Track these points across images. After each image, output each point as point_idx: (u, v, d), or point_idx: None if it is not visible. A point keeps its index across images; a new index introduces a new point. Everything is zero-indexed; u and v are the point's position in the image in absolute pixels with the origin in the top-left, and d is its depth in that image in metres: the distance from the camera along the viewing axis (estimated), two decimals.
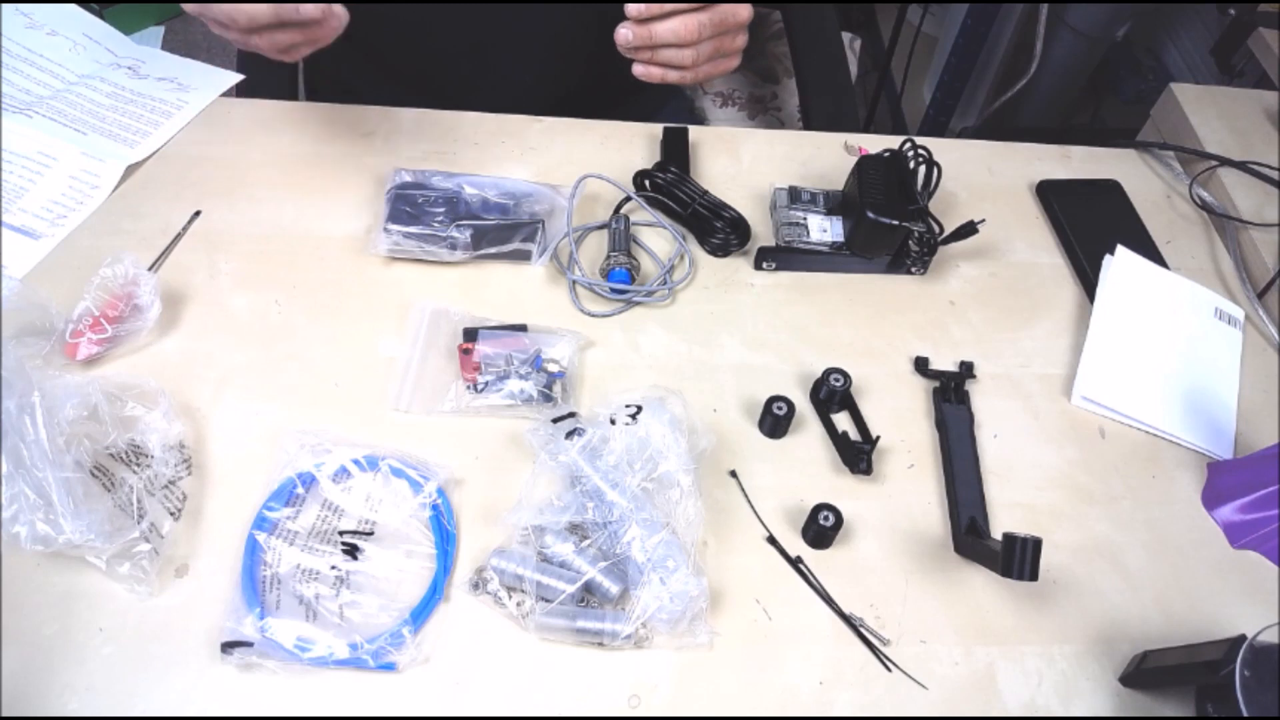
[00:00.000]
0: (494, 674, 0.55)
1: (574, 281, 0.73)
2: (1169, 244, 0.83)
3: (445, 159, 0.81)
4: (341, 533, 0.58)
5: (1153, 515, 0.66)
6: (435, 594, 0.56)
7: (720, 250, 0.77)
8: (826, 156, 0.87)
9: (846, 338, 0.73)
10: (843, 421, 0.68)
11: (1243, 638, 0.51)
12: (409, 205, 0.73)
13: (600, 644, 0.55)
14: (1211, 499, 0.67)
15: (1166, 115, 0.96)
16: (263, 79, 0.91)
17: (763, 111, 1.17)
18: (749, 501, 0.63)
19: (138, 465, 0.58)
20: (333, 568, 0.56)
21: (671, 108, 1.09)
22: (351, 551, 0.57)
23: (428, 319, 0.69)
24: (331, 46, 0.86)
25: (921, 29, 1.88)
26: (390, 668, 0.53)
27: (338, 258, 0.73)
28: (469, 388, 0.65)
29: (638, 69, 0.68)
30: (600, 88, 0.95)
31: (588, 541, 0.58)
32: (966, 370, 0.72)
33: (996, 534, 0.59)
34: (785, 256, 0.76)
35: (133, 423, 0.60)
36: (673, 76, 0.69)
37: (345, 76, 0.99)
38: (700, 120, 1.15)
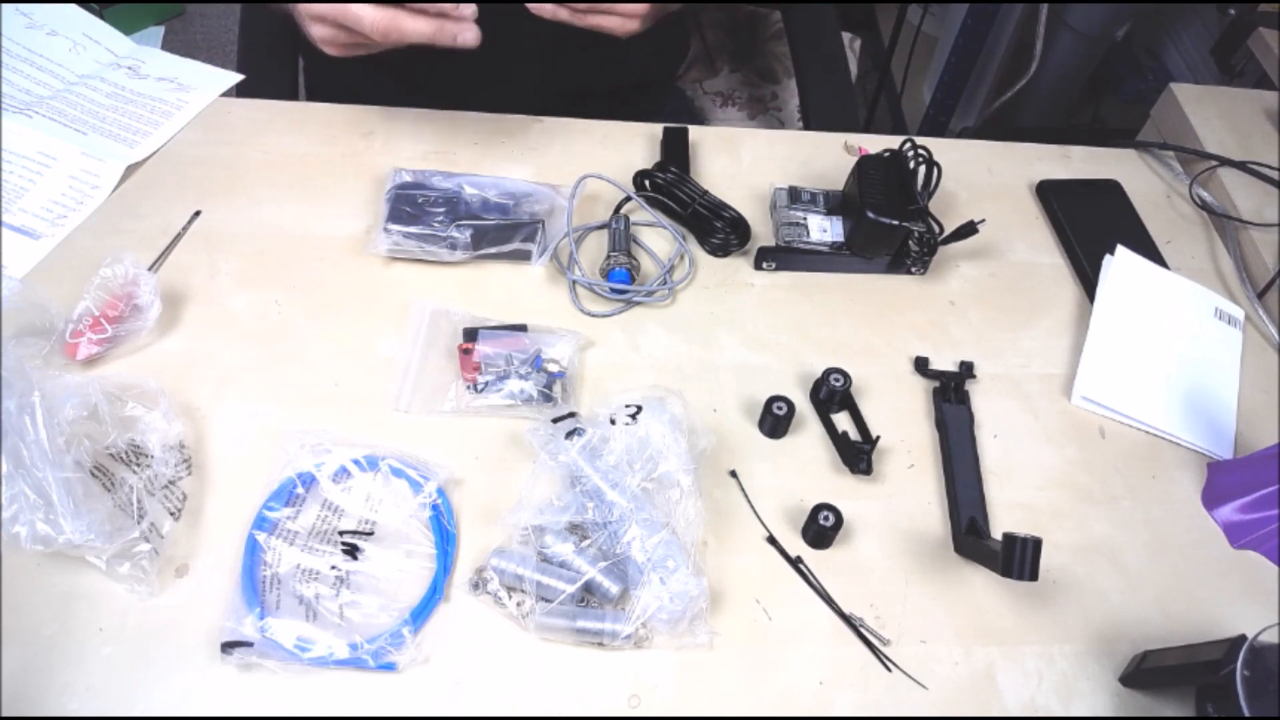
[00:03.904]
0: (494, 674, 0.55)
1: (574, 281, 0.73)
2: (1169, 244, 0.83)
3: (445, 159, 0.81)
4: (341, 533, 0.58)
5: (1153, 515, 0.66)
6: (435, 594, 0.56)
7: (720, 250, 0.77)
8: (826, 156, 0.87)
9: (846, 338, 0.73)
10: (843, 421, 0.68)
11: (1243, 638, 0.51)
12: (409, 205, 0.73)
13: (600, 644, 0.55)
14: (1211, 499, 0.67)
15: (1166, 115, 0.96)
16: (263, 79, 0.91)
17: (763, 111, 1.17)
18: (749, 501, 0.63)
19: (138, 465, 0.58)
20: (333, 568, 0.56)
21: (671, 108, 1.09)
22: (351, 551, 0.57)
23: (428, 319, 0.69)
24: None
25: (921, 29, 1.88)
26: (390, 668, 0.53)
27: (338, 258, 0.73)
28: (469, 388, 0.65)
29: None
30: (600, 88, 0.95)
31: (588, 541, 0.58)
32: (966, 370, 0.72)
33: (996, 534, 0.59)
34: (785, 256, 0.76)
35: (133, 423, 0.60)
36: (563, 14, 0.70)
37: (345, 76, 0.99)
38: (700, 120, 1.15)
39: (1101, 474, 0.68)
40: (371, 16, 0.64)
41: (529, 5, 0.69)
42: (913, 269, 0.78)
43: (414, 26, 0.64)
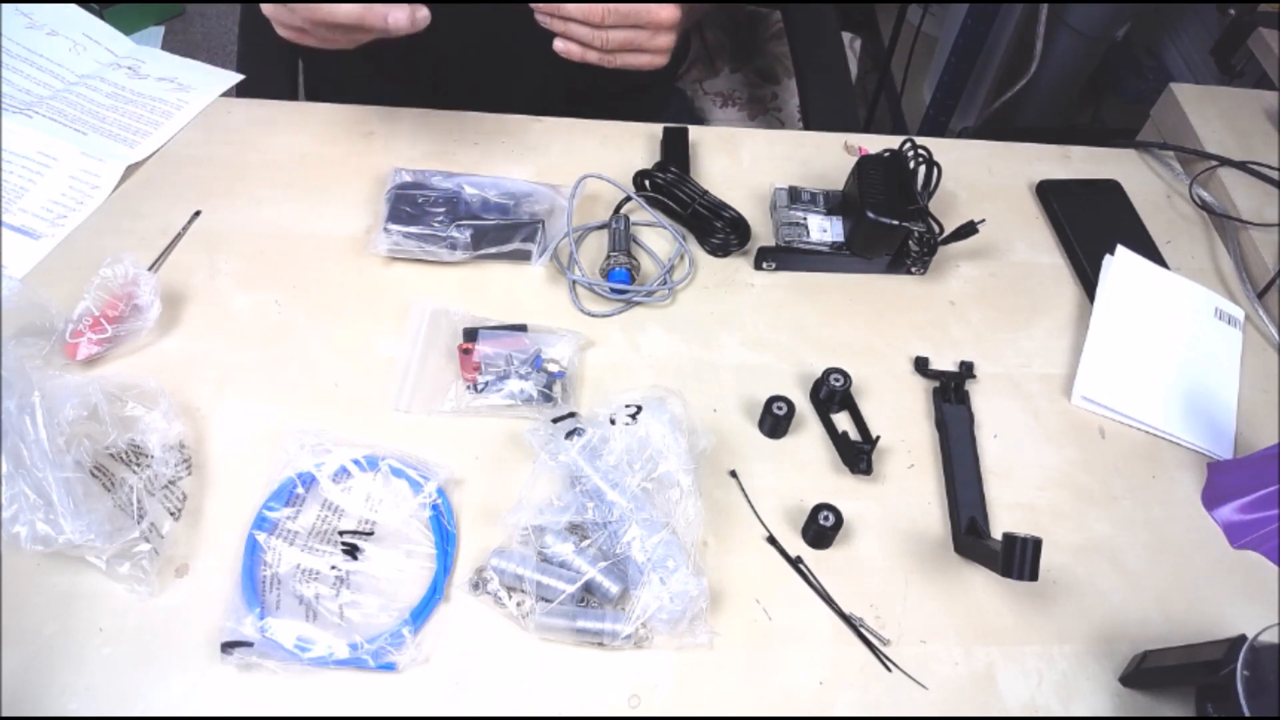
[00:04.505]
0: (494, 674, 0.55)
1: (574, 281, 0.73)
2: (1169, 244, 0.83)
3: (445, 159, 0.81)
4: (341, 533, 0.58)
5: (1153, 515, 0.66)
6: (435, 594, 0.56)
7: (720, 250, 0.77)
8: (826, 156, 0.87)
9: (846, 338, 0.73)
10: (843, 421, 0.68)
11: (1243, 638, 0.51)
12: (409, 205, 0.73)
13: (600, 644, 0.55)
14: (1211, 499, 0.67)
15: (1166, 115, 0.96)
16: (263, 79, 0.91)
17: (763, 111, 1.17)
18: (749, 501, 0.63)
19: (138, 465, 0.58)
20: (333, 568, 0.56)
21: (672, 108, 1.09)
22: (351, 551, 0.57)
23: (428, 319, 0.69)
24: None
25: (921, 29, 1.88)
26: (390, 668, 0.53)
27: (338, 258, 0.73)
28: (469, 388, 0.65)
29: (557, 44, 0.70)
30: (600, 88, 0.95)
31: (588, 541, 0.58)
32: (966, 370, 0.72)
33: (996, 534, 0.59)
34: (785, 256, 0.76)
35: (133, 423, 0.60)
36: (592, 57, 0.70)
37: (345, 77, 0.99)
38: (700, 120, 1.15)
39: (1101, 474, 0.68)
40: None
41: (557, 49, 0.70)
42: (913, 269, 0.78)
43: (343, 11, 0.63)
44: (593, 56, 0.70)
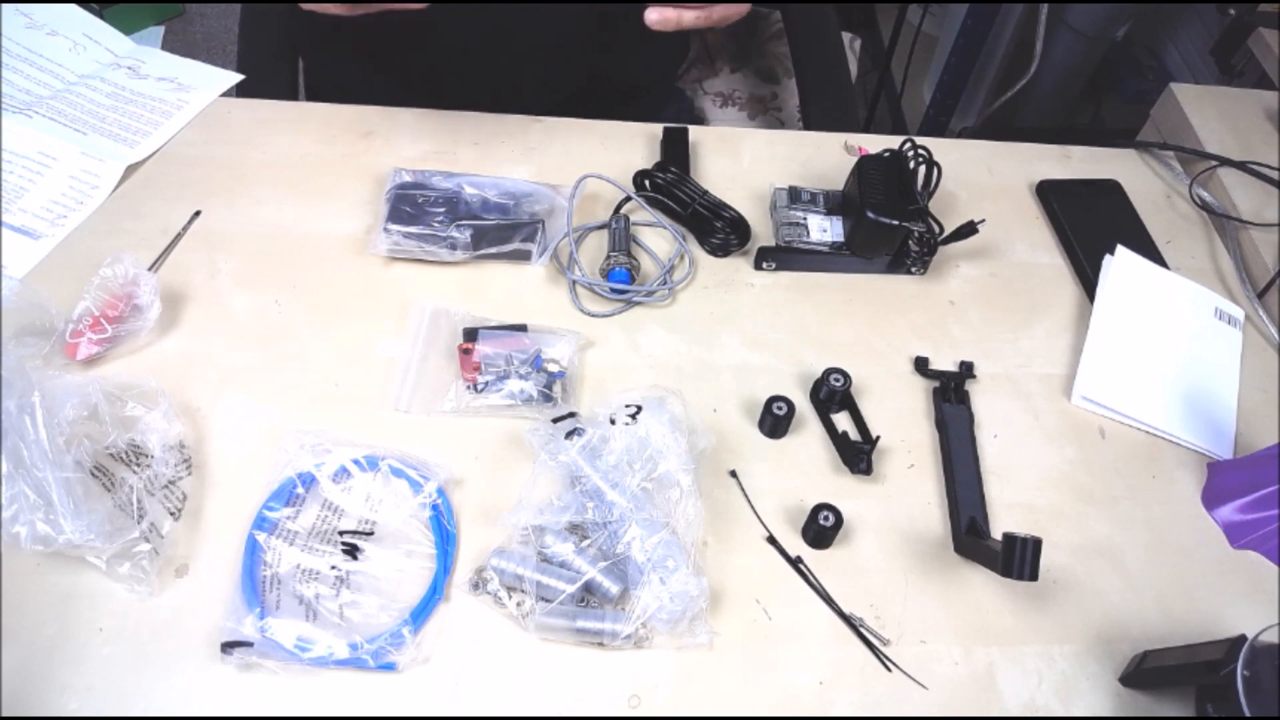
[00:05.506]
0: (494, 674, 0.55)
1: (574, 281, 0.73)
2: (1169, 244, 0.83)
3: (445, 159, 0.81)
4: (341, 533, 0.58)
5: (1153, 515, 0.66)
6: (435, 594, 0.56)
7: (720, 250, 0.77)
8: (826, 156, 0.87)
9: (846, 338, 0.73)
10: (843, 421, 0.68)
11: (1243, 638, 0.51)
12: (409, 205, 0.73)
13: (600, 644, 0.55)
14: (1211, 499, 0.67)
15: (1166, 115, 0.96)
16: (263, 79, 0.91)
17: (763, 111, 1.17)
18: (749, 501, 0.63)
19: (138, 465, 0.58)
20: (333, 568, 0.56)
21: (672, 108, 1.09)
22: (351, 551, 0.57)
23: (428, 319, 0.69)
24: (332, 46, 0.86)
25: (921, 29, 1.88)
26: (390, 668, 0.53)
27: (338, 258, 0.73)
28: (469, 388, 0.65)
29: (651, 14, 0.66)
30: (600, 88, 0.95)
31: (588, 541, 0.58)
32: (966, 370, 0.72)
33: (996, 534, 0.59)
34: (785, 256, 0.76)
35: (133, 423, 0.60)
36: (688, 18, 0.66)
37: (345, 77, 0.99)
38: (700, 120, 1.15)
39: (1101, 474, 0.68)
40: None
41: (650, 21, 0.66)
42: (913, 269, 0.78)
43: None
44: (689, 18, 0.66)
